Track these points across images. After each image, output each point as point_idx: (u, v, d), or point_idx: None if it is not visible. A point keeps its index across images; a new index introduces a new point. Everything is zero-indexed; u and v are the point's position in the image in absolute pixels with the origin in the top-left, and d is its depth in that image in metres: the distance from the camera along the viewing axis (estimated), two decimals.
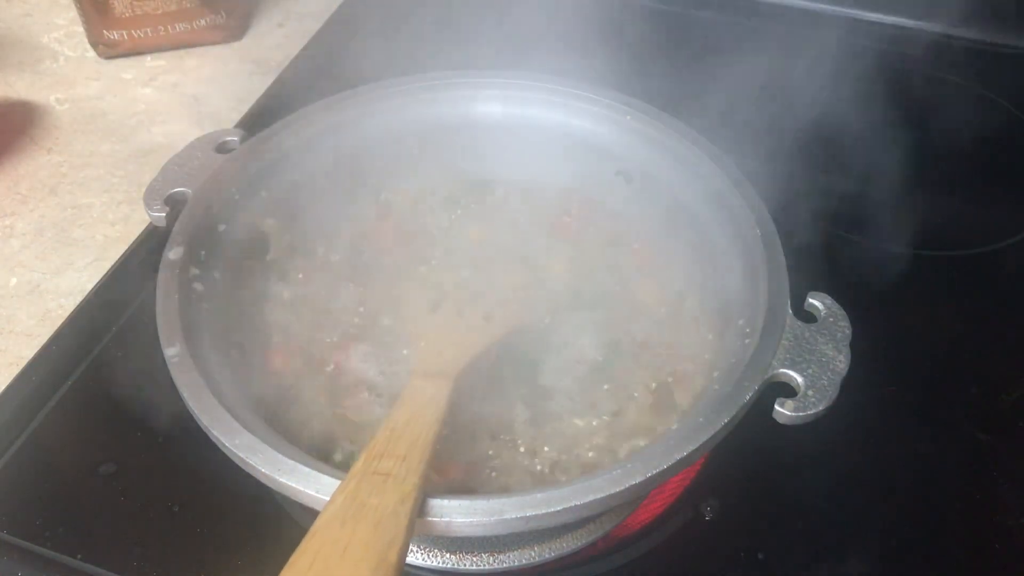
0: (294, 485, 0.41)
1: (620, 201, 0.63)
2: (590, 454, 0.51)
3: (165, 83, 0.89)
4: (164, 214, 0.55)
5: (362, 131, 0.63)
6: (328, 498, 0.39)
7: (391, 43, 0.85)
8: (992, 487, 0.57)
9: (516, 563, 0.52)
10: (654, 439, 0.49)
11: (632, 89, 0.63)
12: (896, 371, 0.63)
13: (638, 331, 0.57)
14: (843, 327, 0.48)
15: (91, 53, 0.92)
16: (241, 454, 0.43)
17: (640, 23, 0.89)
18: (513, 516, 0.40)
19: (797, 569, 0.53)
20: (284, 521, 0.53)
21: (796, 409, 0.45)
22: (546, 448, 0.51)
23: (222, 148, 0.59)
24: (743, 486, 0.57)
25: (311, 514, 0.40)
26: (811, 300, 0.50)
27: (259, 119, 0.77)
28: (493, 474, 0.49)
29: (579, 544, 0.53)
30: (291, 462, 0.42)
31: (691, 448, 0.43)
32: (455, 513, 0.40)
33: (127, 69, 0.91)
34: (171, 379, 0.46)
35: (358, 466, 0.40)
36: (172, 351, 0.47)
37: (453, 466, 0.49)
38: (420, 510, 0.40)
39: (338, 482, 0.40)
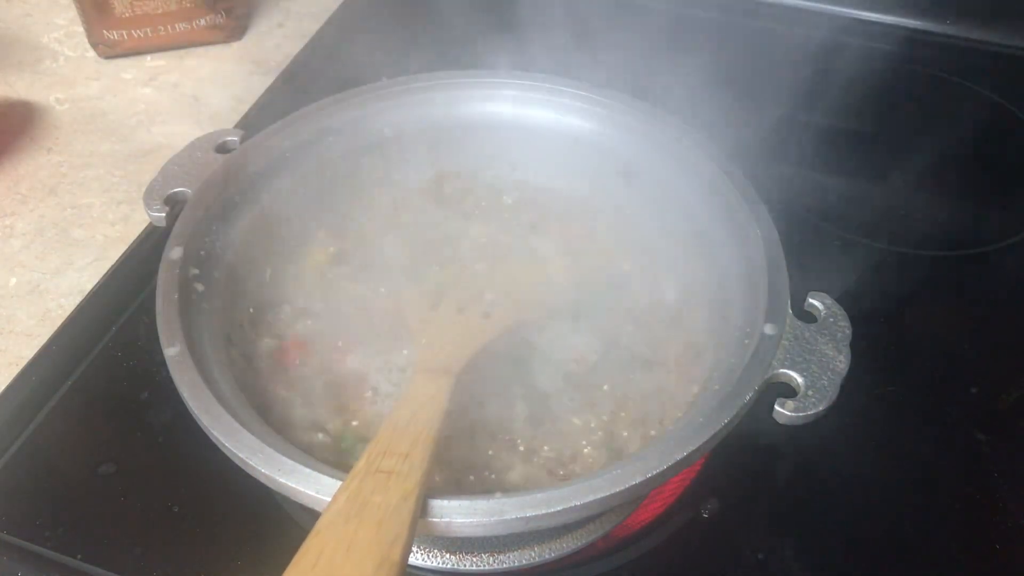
0: (294, 485, 0.41)
1: (620, 201, 0.63)
2: (589, 453, 0.51)
3: (165, 83, 0.90)
4: (164, 214, 0.55)
5: (362, 131, 0.63)
6: (328, 498, 0.39)
7: (391, 43, 0.85)
8: (992, 487, 0.57)
9: (516, 563, 0.52)
10: (654, 439, 0.49)
11: (633, 89, 0.63)
12: (896, 371, 0.63)
13: (637, 330, 0.57)
14: (843, 327, 0.48)
15: (91, 53, 0.92)
16: (241, 454, 0.43)
17: (641, 23, 0.89)
18: (513, 516, 0.40)
19: (797, 569, 0.53)
20: (284, 521, 0.53)
21: (796, 409, 0.45)
22: (545, 447, 0.51)
23: (222, 148, 0.59)
24: (743, 486, 0.57)
25: (311, 514, 0.40)
26: (811, 300, 0.50)
27: (259, 119, 0.77)
28: (492, 476, 0.49)
29: (579, 544, 0.53)
30: (291, 462, 0.42)
31: (691, 448, 0.42)
32: (455, 513, 0.40)
33: (127, 69, 0.91)
34: (171, 379, 0.46)
35: (360, 464, 0.40)
36: (172, 351, 0.47)
37: (453, 466, 0.49)
38: (422, 509, 0.40)
39: (338, 482, 0.40)
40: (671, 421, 0.51)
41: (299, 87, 0.83)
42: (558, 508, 0.40)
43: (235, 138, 0.60)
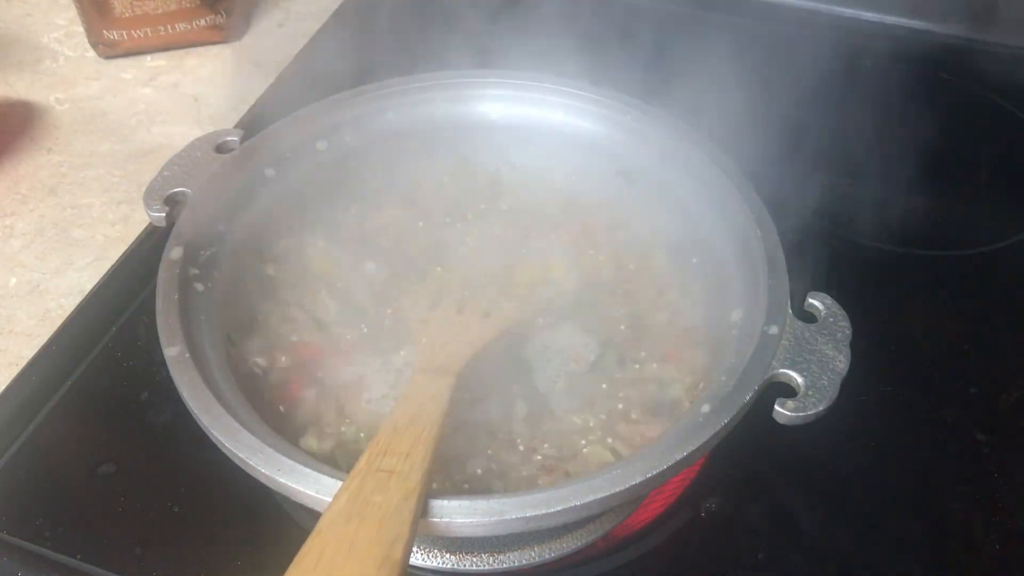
0: (294, 485, 0.41)
1: (620, 201, 0.63)
2: (588, 452, 0.51)
3: (165, 83, 0.89)
4: (164, 214, 0.55)
5: (362, 131, 0.63)
6: (328, 498, 0.39)
7: (391, 43, 0.85)
8: (992, 487, 0.57)
9: (516, 563, 0.52)
10: (654, 439, 0.49)
11: (633, 89, 0.63)
12: (896, 371, 0.63)
13: (637, 329, 0.57)
14: (843, 327, 0.48)
15: (91, 53, 0.92)
16: (241, 454, 0.43)
17: (641, 23, 0.89)
18: (513, 516, 0.40)
19: (797, 569, 0.53)
20: (284, 521, 0.53)
21: (796, 409, 0.45)
22: (545, 446, 0.51)
23: (222, 148, 0.59)
24: (743, 486, 0.57)
25: (311, 514, 0.40)
26: (811, 300, 0.50)
27: (259, 119, 0.77)
28: (493, 478, 0.49)
29: (579, 544, 0.53)
30: (291, 462, 0.42)
31: (691, 448, 0.43)
32: (455, 513, 0.40)
33: (127, 69, 0.91)
34: (171, 379, 0.46)
35: (361, 464, 0.40)
36: (172, 351, 0.47)
37: (452, 466, 0.49)
38: (423, 509, 0.40)
39: (338, 482, 0.40)
40: (671, 421, 0.51)
41: (299, 87, 0.83)
42: (558, 508, 0.41)
43: (235, 138, 0.60)
